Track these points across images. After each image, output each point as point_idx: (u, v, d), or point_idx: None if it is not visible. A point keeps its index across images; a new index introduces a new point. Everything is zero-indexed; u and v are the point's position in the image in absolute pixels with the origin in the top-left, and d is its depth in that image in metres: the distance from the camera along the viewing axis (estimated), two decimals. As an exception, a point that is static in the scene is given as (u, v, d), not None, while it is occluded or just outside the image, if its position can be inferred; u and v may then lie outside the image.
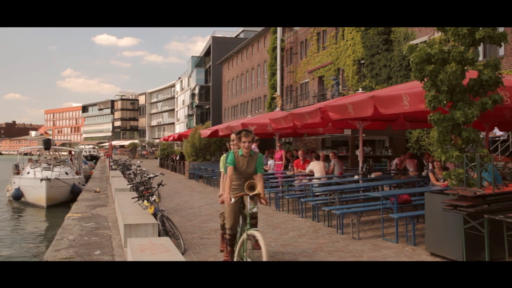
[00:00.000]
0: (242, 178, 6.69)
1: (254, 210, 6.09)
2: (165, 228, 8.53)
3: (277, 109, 26.09)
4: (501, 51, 19.61)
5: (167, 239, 6.56)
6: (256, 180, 6.43)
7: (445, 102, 7.02)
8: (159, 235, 7.99)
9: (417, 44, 7.21)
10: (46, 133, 37.89)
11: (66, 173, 24.56)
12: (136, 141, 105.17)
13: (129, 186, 12.42)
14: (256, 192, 6.08)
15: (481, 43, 7.40)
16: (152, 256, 5.79)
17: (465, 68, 7.16)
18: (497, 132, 18.55)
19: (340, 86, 32.28)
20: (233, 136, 7.44)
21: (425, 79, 7.27)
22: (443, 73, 6.87)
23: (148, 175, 11.55)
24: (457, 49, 6.90)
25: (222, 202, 6.83)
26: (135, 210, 9.23)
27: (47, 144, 26.04)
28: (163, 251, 5.88)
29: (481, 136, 8.21)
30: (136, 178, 13.56)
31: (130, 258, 6.09)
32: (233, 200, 6.24)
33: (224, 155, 7.58)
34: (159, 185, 9.53)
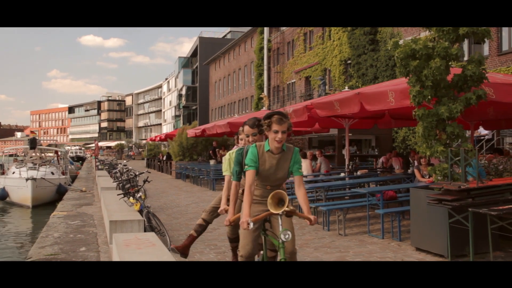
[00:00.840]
0: (267, 185, 4.53)
1: (287, 236, 4.00)
2: (151, 225, 8.49)
3: (264, 108, 26.09)
4: (486, 51, 19.77)
5: (153, 234, 6.53)
6: (295, 186, 4.46)
7: (429, 97, 7.08)
8: (145, 232, 7.96)
9: (399, 33, 7.25)
10: (32, 132, 37.63)
11: (52, 173, 24.35)
12: (123, 142, 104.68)
13: (115, 183, 12.36)
14: (286, 207, 4.05)
15: (466, 41, 7.48)
16: (137, 250, 5.75)
17: (450, 63, 7.23)
18: (482, 131, 18.72)
19: (326, 86, 32.37)
20: (247, 129, 5.34)
21: (410, 75, 7.32)
22: (428, 69, 6.92)
23: (134, 173, 11.51)
24: (441, 45, 6.96)
25: (229, 224, 4.89)
26: (121, 207, 9.18)
27: (33, 143, 25.81)
28: (149, 245, 5.85)
29: (466, 135, 8.29)
30: (123, 176, 13.51)
31: (115, 253, 6.06)
32: (252, 225, 4.12)
33: (231, 152, 5.78)
34: (144, 181, 9.50)
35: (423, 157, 10.62)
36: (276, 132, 4.26)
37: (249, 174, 4.38)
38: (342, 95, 10.57)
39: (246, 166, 4.43)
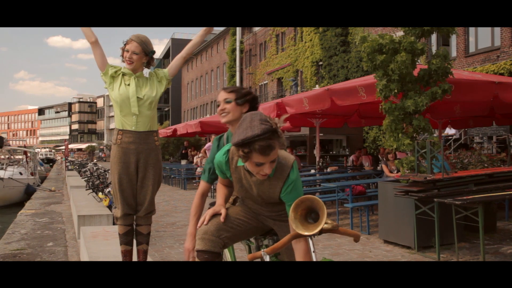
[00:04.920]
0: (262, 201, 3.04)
1: None
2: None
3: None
4: (454, 52, 20.17)
5: (121, 227, 6.47)
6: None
7: (396, 91, 7.19)
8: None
9: (369, 34, 7.36)
10: (-1, 132, 36.97)
11: (20, 173, 23.95)
12: (94, 144, 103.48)
13: (85, 179, 12.26)
14: (323, 223, 2.52)
15: (434, 42, 7.63)
16: (104, 241, 5.73)
17: (416, 59, 7.36)
18: (449, 131, 19.07)
19: (298, 88, 32.56)
20: (220, 95, 3.40)
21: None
22: (394, 63, 7.03)
23: (104, 169, 11.42)
24: (407, 40, 7.08)
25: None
26: (90, 203, 9.14)
27: (0, 142, 25.35)
28: (116, 237, 5.80)
29: (434, 134, 8.44)
30: (93, 175, 13.41)
31: (82, 244, 6.00)
32: (267, 258, 2.79)
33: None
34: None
35: (390, 153, 10.78)
36: (260, 164, 2.66)
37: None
38: (312, 92, 10.65)
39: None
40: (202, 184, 3.45)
